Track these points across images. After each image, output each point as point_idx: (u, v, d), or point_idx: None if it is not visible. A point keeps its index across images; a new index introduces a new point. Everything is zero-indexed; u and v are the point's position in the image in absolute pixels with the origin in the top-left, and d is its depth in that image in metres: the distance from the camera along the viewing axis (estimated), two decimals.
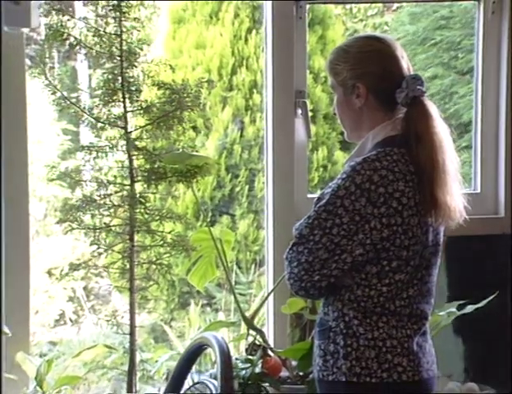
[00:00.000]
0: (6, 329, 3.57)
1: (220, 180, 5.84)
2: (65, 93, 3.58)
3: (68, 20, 3.59)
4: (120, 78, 3.50)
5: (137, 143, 3.53)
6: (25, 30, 3.64)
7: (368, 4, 6.58)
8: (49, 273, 5.85)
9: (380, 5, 6.81)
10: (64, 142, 6.71)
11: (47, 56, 6.49)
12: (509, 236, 3.89)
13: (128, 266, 3.52)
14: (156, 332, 5.79)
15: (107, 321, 3.81)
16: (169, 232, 3.57)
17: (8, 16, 3.39)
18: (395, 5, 6.58)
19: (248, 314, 3.68)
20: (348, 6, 6.54)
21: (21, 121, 3.70)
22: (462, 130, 4.75)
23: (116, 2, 3.51)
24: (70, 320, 6.33)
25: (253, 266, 5.65)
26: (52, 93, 3.55)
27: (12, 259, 3.67)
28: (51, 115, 6.60)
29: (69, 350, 4.64)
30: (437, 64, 5.98)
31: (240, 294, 5.31)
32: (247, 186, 5.85)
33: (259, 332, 3.65)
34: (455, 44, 5.92)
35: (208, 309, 5.77)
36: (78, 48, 3.61)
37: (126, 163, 3.52)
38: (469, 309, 3.55)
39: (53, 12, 3.55)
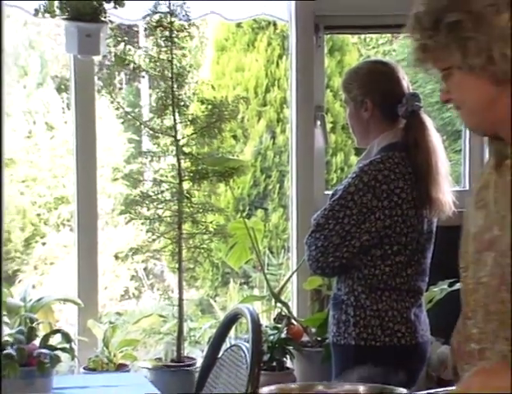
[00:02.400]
0: (78, 300, 3.60)
1: (256, 180, 5.85)
2: (128, 109, 3.61)
3: (129, 49, 3.62)
4: (171, 96, 3.52)
5: (185, 149, 3.54)
6: (96, 57, 3.65)
7: (379, 34, 6.56)
8: (116, 257, 5.89)
9: (389, 35, 6.79)
10: (129, 149, 6.75)
11: (116, 78, 6.54)
12: None
13: (177, 250, 3.53)
14: (203, 305, 5.81)
15: (161, 295, 3.83)
16: (210, 222, 3.58)
17: (81, 46, 3.40)
18: (402, 35, 6.56)
19: (276, 290, 3.70)
20: (362, 36, 6.52)
21: (91, 132, 3.72)
22: (456, 136, 4.73)
23: (168, 34, 3.52)
24: (133, 295, 6.37)
25: (282, 251, 5.65)
26: (116, 109, 3.57)
27: (84, 245, 3.69)
28: (119, 127, 6.64)
29: (132, 319, 4.66)
30: (436, 82, 5.97)
31: (272, 274, 5.31)
32: (278, 185, 5.86)
33: (285, 304, 3.66)
34: None
35: (245, 286, 5.78)
36: (138, 71, 3.63)
37: (176, 166, 3.54)
38: (458, 286, 3.53)
39: (120, 42, 3.58)
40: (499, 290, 1.70)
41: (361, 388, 2.22)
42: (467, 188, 3.93)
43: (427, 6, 1.79)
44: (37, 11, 3.38)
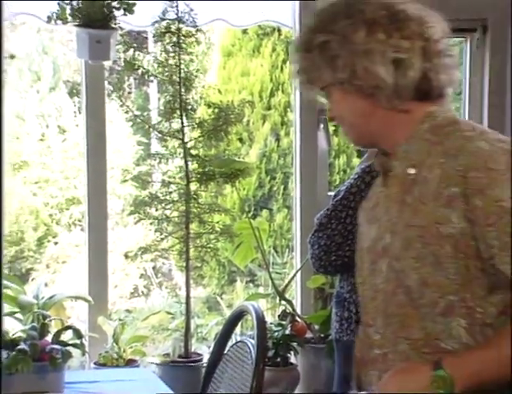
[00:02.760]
0: (89, 298, 3.61)
1: (261, 181, 5.84)
2: (137, 112, 3.61)
3: (138, 55, 3.63)
4: (179, 100, 3.52)
5: (192, 151, 3.55)
6: (106, 63, 3.65)
7: None
8: (125, 256, 5.89)
9: None
10: (138, 151, 6.75)
11: (126, 83, 6.55)
12: None
13: (185, 249, 3.54)
14: (210, 303, 5.80)
15: (169, 293, 3.82)
16: (217, 222, 3.59)
17: (92, 52, 3.40)
18: None
19: (280, 288, 3.70)
20: None
21: (102, 134, 3.72)
22: None
23: (175, 40, 3.52)
24: (142, 293, 6.37)
25: (286, 250, 5.65)
26: (125, 112, 3.58)
27: (94, 244, 3.70)
28: (128, 130, 6.64)
29: (141, 316, 4.66)
30: None
31: (276, 272, 5.30)
32: (282, 186, 5.85)
33: (289, 302, 3.66)
34: None
35: (251, 284, 5.78)
36: (147, 76, 3.63)
37: (183, 167, 3.54)
38: None
39: (130, 48, 3.59)
40: (395, 294, 1.73)
41: None
42: None
43: (301, 32, 1.88)
44: (50, 18, 3.39)
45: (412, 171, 1.74)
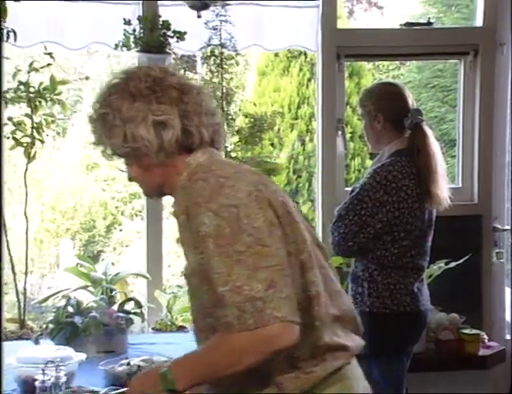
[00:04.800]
0: (147, 275, 3.62)
1: (289, 179, 5.82)
2: None
3: (188, 74, 3.62)
4: (221, 111, 3.52)
5: (232, 154, 3.54)
6: None
7: (389, 61, 6.51)
8: (177, 240, 5.89)
9: (397, 62, 6.73)
10: None
11: None
12: (479, 216, 3.84)
13: None
14: None
15: None
16: None
17: None
18: (408, 62, 6.50)
19: None
20: (376, 63, 6.47)
21: None
22: (452, 144, 4.68)
23: (219, 62, 3.52)
24: None
25: None
26: None
27: (152, 231, 3.70)
28: None
29: None
30: (435, 100, 5.91)
31: None
32: (307, 183, 5.82)
33: None
34: (447, 87, 5.84)
35: None
36: None
37: None
38: (453, 264, 3.51)
39: (181, 69, 3.59)
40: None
41: None
42: (460, 186, 3.90)
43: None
44: (117, 46, 3.41)
45: (178, 217, 1.71)
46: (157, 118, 1.70)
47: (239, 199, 1.62)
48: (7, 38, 2.94)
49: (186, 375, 1.62)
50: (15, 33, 2.95)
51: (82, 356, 2.52)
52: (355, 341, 1.78)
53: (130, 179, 1.85)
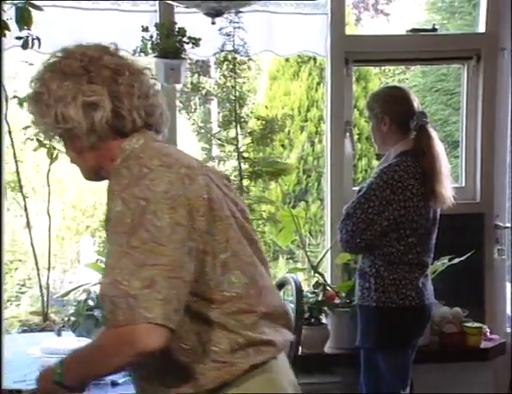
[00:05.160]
0: None
1: (299, 179, 5.83)
2: (201, 124, 3.60)
3: (202, 79, 3.63)
4: (234, 114, 3.52)
5: (244, 154, 3.53)
6: (178, 85, 3.66)
7: (395, 66, 6.49)
8: None
9: (403, 67, 6.72)
10: (201, 155, 6.76)
11: (192, 101, 6.56)
12: (482, 214, 3.83)
13: None
14: None
15: None
16: (264, 211, 3.56)
17: (167, 77, 3.41)
18: (413, 67, 6.48)
19: (314, 264, 3.68)
20: (382, 67, 6.46)
21: (173, 142, 3.69)
22: (455, 145, 4.67)
23: (232, 67, 3.52)
24: None
25: (319, 234, 5.63)
26: (192, 124, 3.58)
27: None
28: (194, 138, 6.65)
29: None
30: (439, 103, 5.90)
31: (311, 251, 5.27)
32: (316, 183, 5.83)
33: (321, 274, 3.63)
34: (450, 91, 5.82)
35: (291, 260, 5.76)
36: (209, 95, 3.63)
37: (237, 167, 3.53)
38: (456, 261, 3.50)
39: (196, 74, 3.59)
40: None
41: None
42: (463, 185, 3.88)
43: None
44: (135, 51, 3.41)
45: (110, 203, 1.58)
46: (87, 99, 1.60)
47: (152, 194, 1.50)
48: (32, 45, 2.96)
49: (72, 369, 1.55)
50: (39, 40, 2.96)
51: None
52: (284, 336, 1.69)
53: (72, 161, 1.75)
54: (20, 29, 2.93)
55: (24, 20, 2.92)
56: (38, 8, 2.98)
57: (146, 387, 1.66)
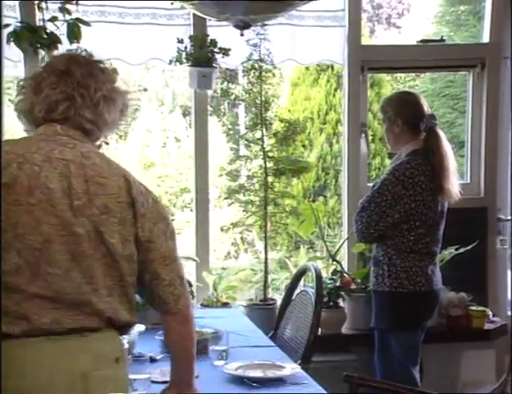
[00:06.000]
0: (196, 258, 3.63)
1: (318, 176, 5.77)
2: (230, 127, 3.61)
3: (231, 85, 3.62)
4: (260, 117, 3.51)
5: (269, 153, 3.54)
6: (209, 91, 3.66)
7: (406, 73, 6.44)
8: (221, 229, 5.90)
9: (413, 74, 6.65)
10: (230, 154, 6.76)
11: (222, 105, 6.57)
12: (485, 208, 3.80)
13: (264, 224, 3.52)
14: (281, 263, 5.76)
15: (253, 256, 3.80)
16: (287, 205, 3.57)
17: (199, 83, 3.41)
18: (422, 74, 6.42)
19: (332, 253, 3.66)
20: (394, 74, 6.40)
21: (205, 142, 3.72)
22: (461, 145, 4.61)
23: (258, 74, 3.51)
24: (233, 256, 6.38)
25: (337, 225, 5.59)
26: (222, 126, 3.58)
27: (200, 221, 3.71)
28: (223, 139, 6.66)
29: (232, 272, 4.67)
30: (447, 107, 5.83)
31: (329, 241, 5.20)
32: (334, 179, 5.78)
33: (339, 262, 3.63)
34: (457, 96, 5.76)
35: (311, 250, 5.73)
36: (237, 100, 3.63)
37: (263, 165, 3.53)
38: (462, 250, 3.48)
39: (225, 81, 3.59)
40: None
41: None
42: (468, 182, 3.85)
43: None
44: (171, 61, 3.43)
45: None
46: (20, 92, 1.79)
47: None
48: None
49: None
50: (87, 52, 3.00)
51: (141, 327, 2.55)
52: (44, 319, 1.63)
53: None
54: (71, 42, 3.01)
55: (74, 34, 2.99)
56: (86, 24, 3.03)
57: None
